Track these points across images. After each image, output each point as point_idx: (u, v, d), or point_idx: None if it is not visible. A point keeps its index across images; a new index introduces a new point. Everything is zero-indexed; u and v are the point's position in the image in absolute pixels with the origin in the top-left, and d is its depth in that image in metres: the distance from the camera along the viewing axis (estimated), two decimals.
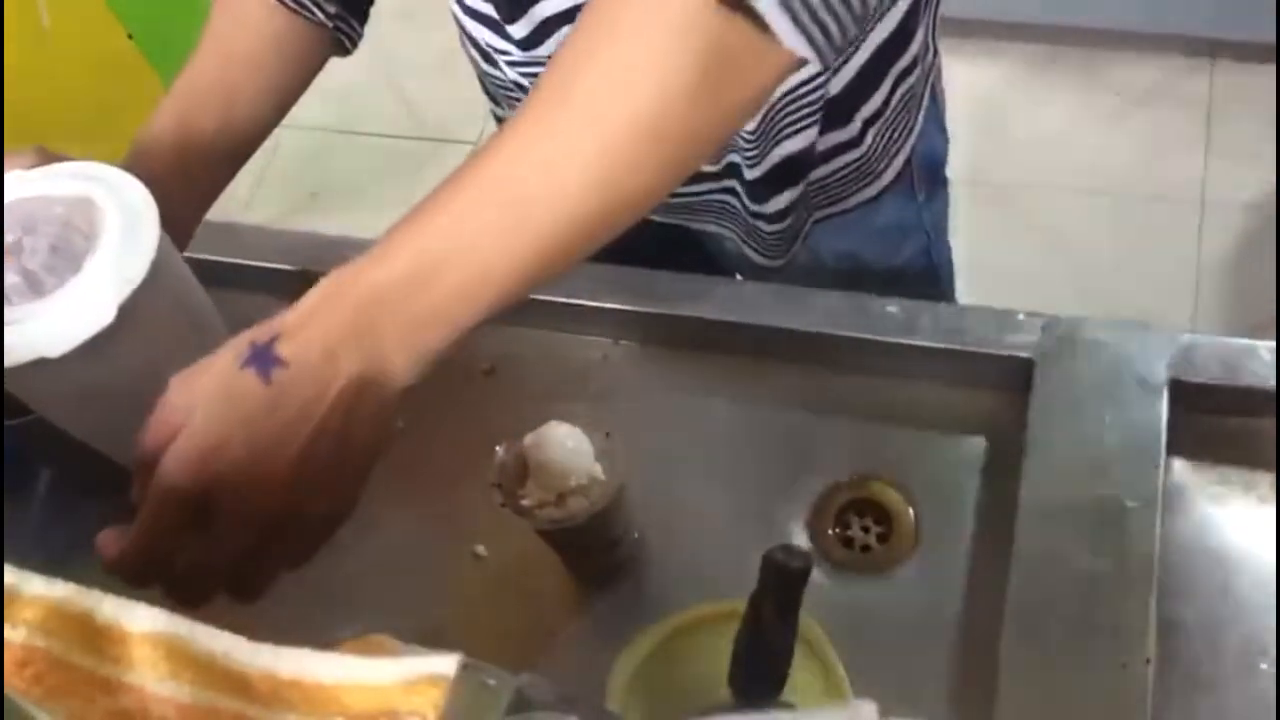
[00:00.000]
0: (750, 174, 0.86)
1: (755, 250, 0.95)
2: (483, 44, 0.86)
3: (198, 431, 0.55)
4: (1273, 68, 1.95)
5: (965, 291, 1.12)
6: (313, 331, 0.55)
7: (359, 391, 0.56)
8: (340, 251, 0.90)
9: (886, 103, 0.86)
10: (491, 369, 0.87)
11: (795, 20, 0.52)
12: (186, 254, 0.89)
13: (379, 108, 2.29)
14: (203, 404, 0.55)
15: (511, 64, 0.85)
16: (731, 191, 0.90)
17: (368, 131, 2.30)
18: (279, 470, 0.55)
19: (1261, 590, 0.69)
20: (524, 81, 0.86)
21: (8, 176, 0.67)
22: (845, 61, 0.81)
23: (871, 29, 0.81)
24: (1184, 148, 1.98)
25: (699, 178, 0.89)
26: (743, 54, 0.53)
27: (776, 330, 0.81)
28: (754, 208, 0.89)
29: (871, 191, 0.92)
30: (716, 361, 0.84)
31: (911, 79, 0.87)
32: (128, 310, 0.62)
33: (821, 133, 0.85)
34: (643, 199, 0.57)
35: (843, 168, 0.88)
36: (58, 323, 0.62)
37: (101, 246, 0.64)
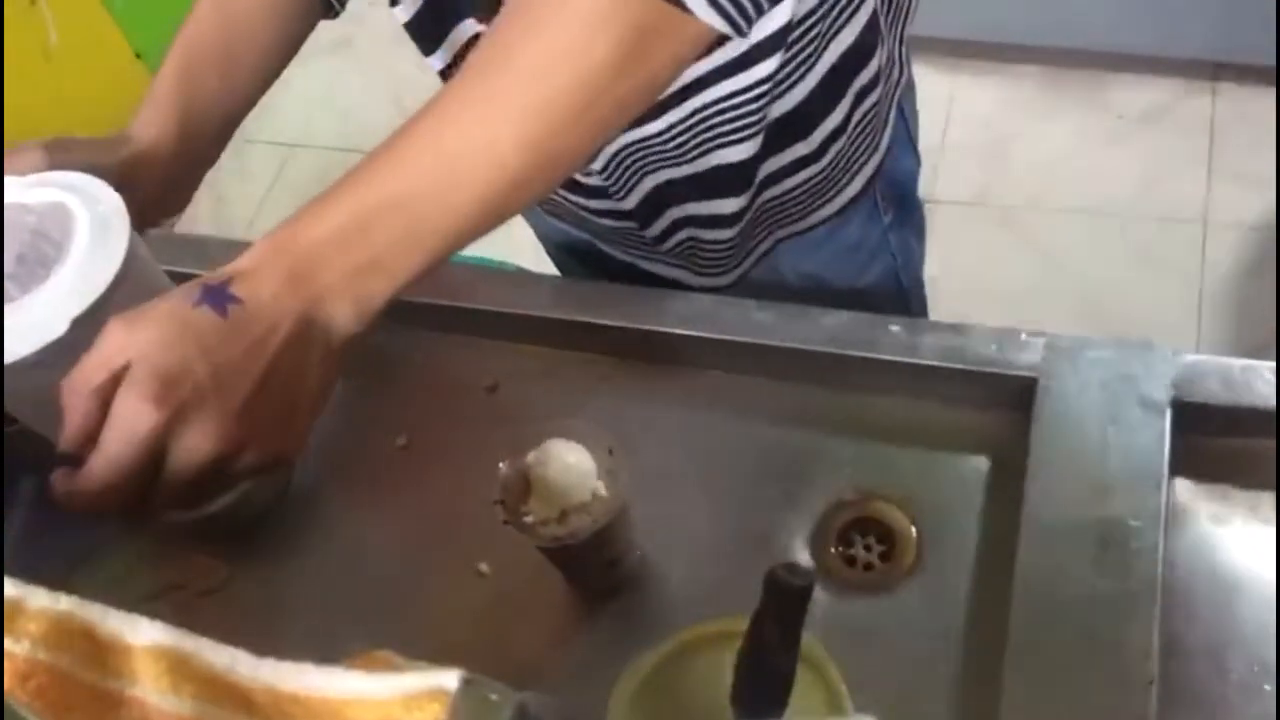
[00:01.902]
0: (678, 173, 0.86)
1: (695, 270, 0.94)
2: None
3: (156, 360, 0.56)
4: (1274, 90, 1.96)
5: (968, 311, 1.12)
6: (261, 277, 0.58)
7: (306, 334, 0.58)
8: None
9: (848, 118, 0.86)
10: (495, 386, 0.87)
11: None
12: (193, 270, 0.90)
13: (385, 128, 2.29)
14: (158, 336, 0.56)
15: None
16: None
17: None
18: (237, 402, 0.57)
19: (1265, 612, 0.69)
20: None
21: None
22: (802, 76, 0.81)
23: (828, 44, 0.81)
24: (1186, 169, 1.99)
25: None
26: (661, 28, 0.58)
27: (780, 349, 0.81)
28: (689, 211, 0.89)
29: (833, 208, 0.92)
30: (720, 379, 0.84)
31: (874, 96, 0.87)
32: (84, 322, 0.63)
33: (781, 147, 0.85)
34: (571, 158, 0.62)
35: (804, 182, 0.88)
36: (13, 332, 0.63)
37: (66, 258, 0.65)
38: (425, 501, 0.83)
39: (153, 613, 0.48)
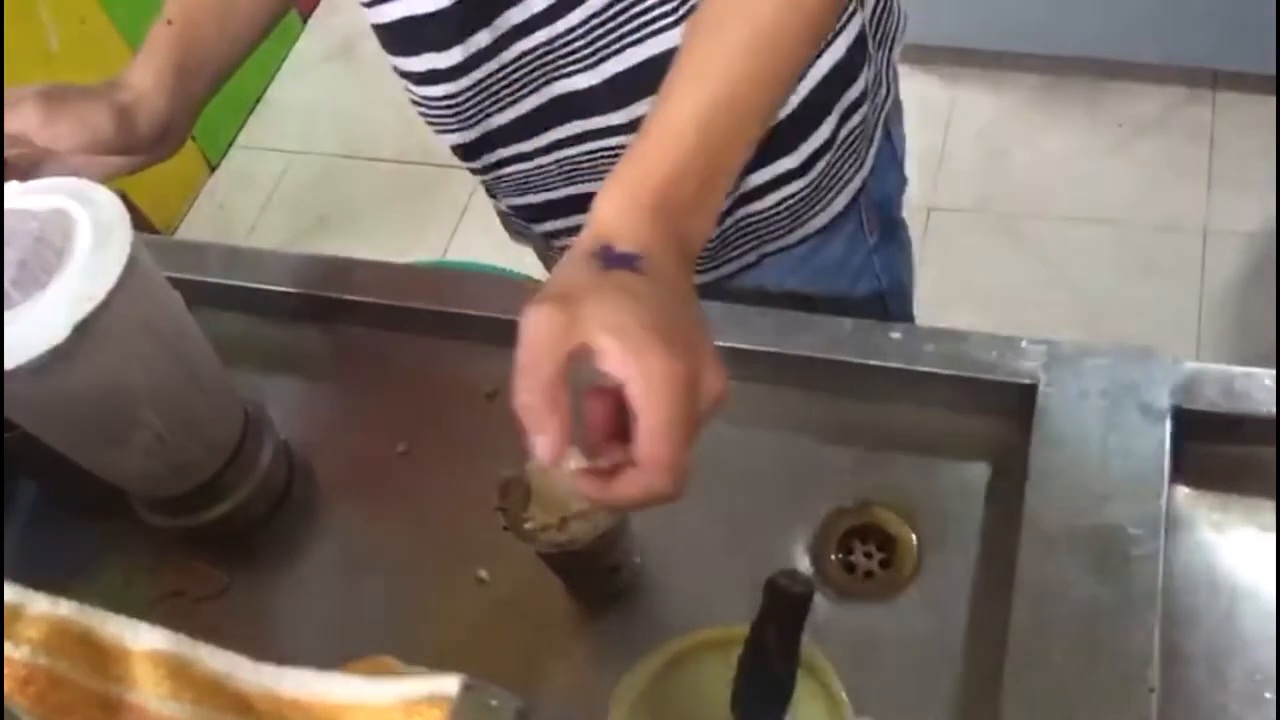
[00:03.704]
0: None
1: None
2: None
3: (633, 320, 0.52)
4: (1274, 98, 1.96)
5: (968, 318, 1.12)
6: (637, 229, 0.56)
7: (690, 269, 0.58)
8: (349, 275, 0.92)
9: (835, 134, 0.87)
10: (495, 392, 0.87)
11: None
12: (194, 276, 0.90)
13: (387, 134, 2.31)
14: (609, 303, 0.53)
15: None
16: None
17: (376, 157, 2.32)
18: (706, 344, 0.55)
19: (1265, 620, 0.69)
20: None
21: None
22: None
23: (816, 58, 0.82)
24: (1186, 178, 1.99)
25: None
26: None
27: (780, 355, 0.81)
28: None
29: (818, 224, 0.92)
30: None
31: (860, 113, 0.88)
32: (85, 328, 0.63)
33: (767, 162, 0.86)
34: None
35: (789, 197, 0.89)
36: (14, 337, 0.63)
37: (68, 264, 0.65)
38: (425, 508, 0.83)
39: (152, 620, 0.48)
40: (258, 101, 2.44)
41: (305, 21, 2.57)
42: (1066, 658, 0.64)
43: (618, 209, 0.57)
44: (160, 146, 0.81)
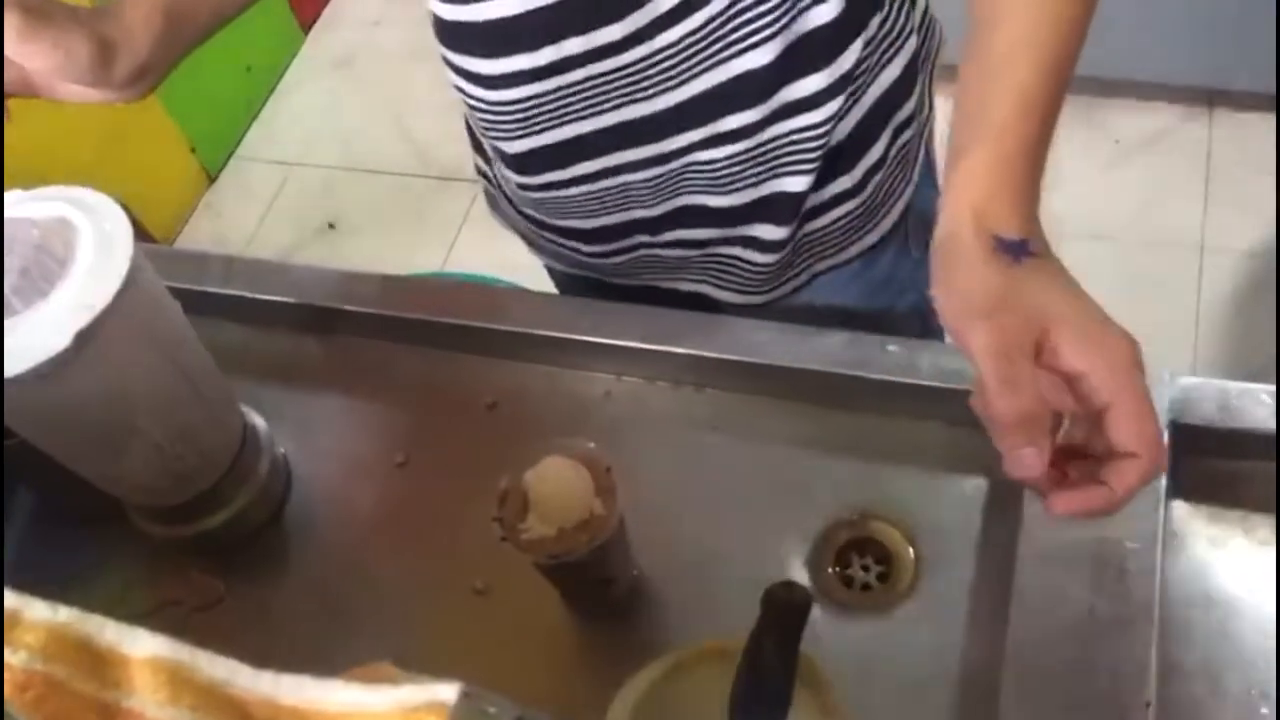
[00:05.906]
0: (739, 199, 0.86)
1: (733, 288, 0.95)
2: None
3: (1075, 308, 0.55)
4: (1272, 116, 1.97)
5: None
6: (1010, 209, 0.57)
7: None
8: (348, 286, 0.92)
9: (886, 152, 0.88)
10: (494, 403, 0.87)
11: None
12: (193, 286, 0.90)
13: (386, 146, 2.31)
14: (1042, 296, 0.55)
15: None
16: (736, 242, 0.91)
17: (375, 169, 2.32)
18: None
19: (1262, 634, 0.69)
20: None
21: None
22: (851, 106, 0.83)
23: (874, 79, 0.83)
24: (1184, 195, 2.00)
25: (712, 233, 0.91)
26: None
27: (779, 368, 0.81)
28: (738, 231, 0.89)
29: (871, 240, 0.93)
30: (718, 399, 0.84)
31: (909, 132, 0.89)
32: (86, 337, 0.63)
33: (826, 181, 0.86)
34: None
35: (844, 215, 0.89)
36: (16, 345, 0.63)
37: (70, 273, 0.65)
38: (423, 519, 0.83)
39: (149, 628, 0.48)
40: (257, 113, 2.44)
41: (305, 34, 2.58)
42: (1064, 671, 0.64)
43: (987, 192, 0.57)
44: (130, 89, 0.78)
